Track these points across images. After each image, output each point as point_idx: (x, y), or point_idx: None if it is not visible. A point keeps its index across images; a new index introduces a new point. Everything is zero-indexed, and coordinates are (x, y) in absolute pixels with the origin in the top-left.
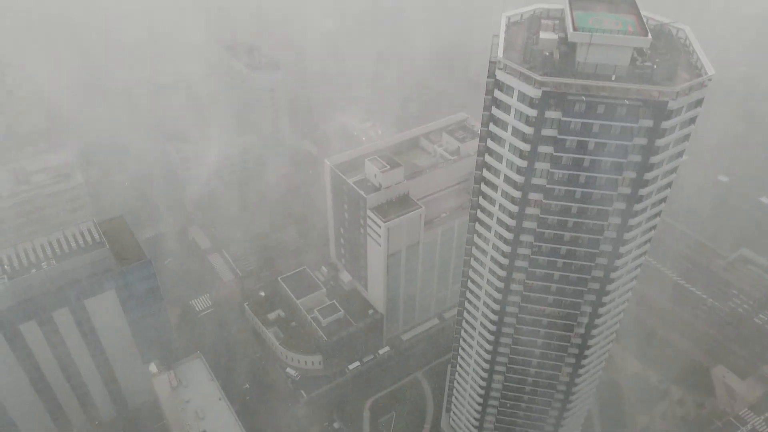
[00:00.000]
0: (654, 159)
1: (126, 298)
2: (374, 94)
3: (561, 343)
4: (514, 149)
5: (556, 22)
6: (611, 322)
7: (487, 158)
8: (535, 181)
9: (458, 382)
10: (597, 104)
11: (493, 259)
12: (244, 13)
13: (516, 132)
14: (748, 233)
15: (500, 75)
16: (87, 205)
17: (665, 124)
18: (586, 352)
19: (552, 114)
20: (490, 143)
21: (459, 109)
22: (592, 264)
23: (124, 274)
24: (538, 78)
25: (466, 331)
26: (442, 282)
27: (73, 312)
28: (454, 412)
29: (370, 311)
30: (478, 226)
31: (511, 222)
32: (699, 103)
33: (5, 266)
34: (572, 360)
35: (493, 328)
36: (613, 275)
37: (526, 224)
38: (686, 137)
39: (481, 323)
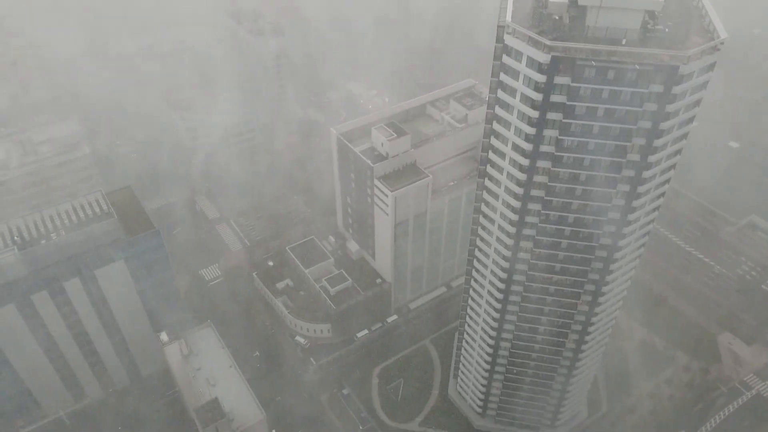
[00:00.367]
0: (664, 125)
1: (136, 268)
2: (380, 61)
3: (568, 311)
4: (522, 116)
5: None
6: (618, 289)
7: (495, 126)
8: (544, 148)
9: (465, 350)
10: (607, 69)
11: (500, 227)
12: None
13: (524, 98)
14: (758, 200)
15: (509, 40)
16: (94, 175)
17: (676, 90)
18: (593, 320)
19: (561, 80)
20: (498, 110)
21: (467, 75)
22: (600, 232)
23: (134, 245)
24: (548, 43)
25: (473, 299)
26: (450, 251)
27: (83, 282)
28: (461, 379)
29: (378, 280)
30: (485, 195)
31: (519, 190)
32: (711, 67)
33: (15, 237)
34: (579, 327)
35: (500, 296)
36: (621, 243)
37: (534, 192)
38: (697, 103)
39: (489, 291)
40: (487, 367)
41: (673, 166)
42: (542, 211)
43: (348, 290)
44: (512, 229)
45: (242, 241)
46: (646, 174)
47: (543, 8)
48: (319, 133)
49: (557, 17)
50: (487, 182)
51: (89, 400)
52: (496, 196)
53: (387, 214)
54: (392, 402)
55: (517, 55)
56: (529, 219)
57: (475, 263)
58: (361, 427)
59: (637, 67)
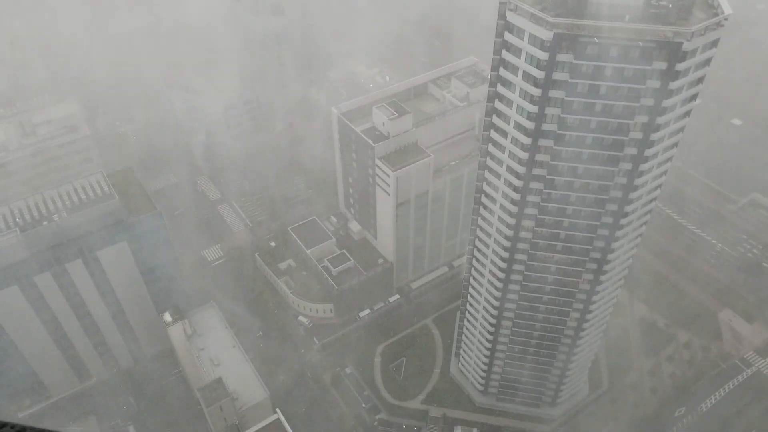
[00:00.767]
0: (667, 102)
1: (138, 249)
2: (381, 39)
3: (569, 289)
4: (524, 94)
5: None
6: (620, 267)
7: (497, 104)
8: (546, 126)
9: (467, 328)
10: (610, 46)
11: (502, 206)
12: None
13: (527, 76)
14: (761, 178)
15: (511, 16)
16: (95, 157)
17: (679, 66)
18: (594, 298)
19: (564, 57)
20: (500, 88)
21: (468, 53)
22: (602, 210)
23: (136, 226)
24: (550, 19)
25: (475, 278)
26: (452, 230)
27: (86, 263)
28: (463, 357)
29: (380, 260)
30: (487, 174)
31: (521, 169)
32: (714, 44)
33: (17, 219)
34: (580, 306)
35: (501, 275)
36: (622, 222)
37: (536, 171)
38: (700, 80)
39: (490, 270)
40: (489, 345)
41: (675, 144)
42: (544, 190)
43: (350, 270)
44: (514, 208)
45: (244, 222)
46: (649, 152)
47: None
48: (319, 113)
49: None
50: (489, 161)
51: (94, 381)
52: (498, 175)
53: (388, 194)
54: (395, 380)
55: (519, 33)
56: (531, 198)
57: (477, 242)
58: (364, 405)
59: (640, 43)
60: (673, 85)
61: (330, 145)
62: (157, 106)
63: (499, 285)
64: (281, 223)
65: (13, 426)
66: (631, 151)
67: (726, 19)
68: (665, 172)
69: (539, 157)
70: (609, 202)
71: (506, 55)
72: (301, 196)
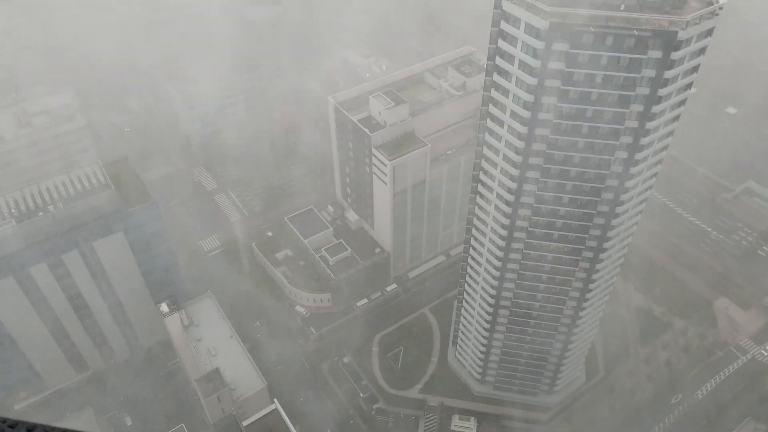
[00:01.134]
0: (662, 91)
1: (134, 240)
2: (377, 28)
3: (566, 278)
4: (521, 83)
5: None
6: (616, 256)
7: (494, 93)
8: (542, 116)
9: (464, 317)
10: (605, 35)
11: (498, 195)
12: None
13: (523, 65)
14: (756, 165)
15: (507, 5)
16: (90, 147)
17: (675, 55)
18: (591, 286)
19: (559, 46)
20: (496, 77)
21: (465, 42)
22: (598, 199)
23: (132, 216)
24: (546, 9)
25: (472, 267)
26: (449, 219)
27: (82, 254)
28: (460, 346)
29: (377, 249)
30: (484, 163)
31: (518, 158)
32: (709, 33)
33: (12, 210)
34: (577, 294)
35: (498, 264)
36: (618, 210)
37: (533, 160)
38: (695, 68)
39: (487, 259)
40: (486, 334)
41: (671, 133)
42: (540, 179)
43: (347, 260)
44: (511, 197)
45: (241, 212)
46: (644, 140)
47: None
48: (316, 103)
49: None
50: (486, 150)
51: (91, 372)
52: (494, 164)
53: (386, 184)
54: (392, 370)
55: (515, 22)
56: (527, 187)
57: (474, 231)
58: (361, 395)
59: (636, 32)
60: (669, 74)
61: (327, 134)
62: (153, 96)
63: (496, 273)
64: (278, 212)
65: (4, 420)
66: (627, 139)
67: (721, 8)
68: (661, 161)
69: (535, 145)
70: (605, 191)
71: (502, 44)
72: (298, 186)
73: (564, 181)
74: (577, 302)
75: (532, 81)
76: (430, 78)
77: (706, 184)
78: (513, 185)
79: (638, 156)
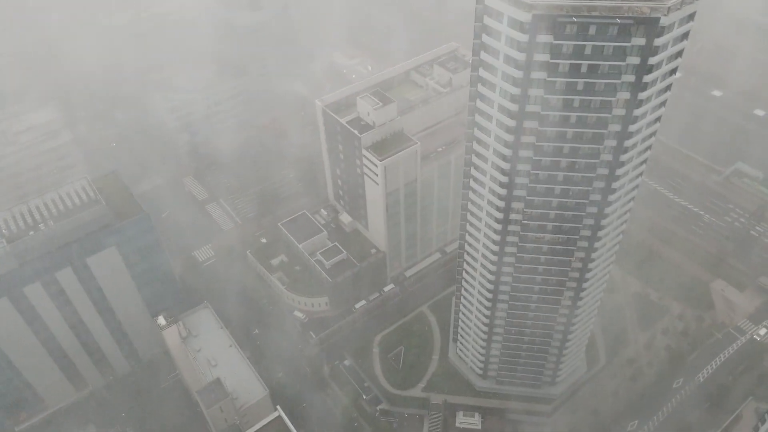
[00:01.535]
0: (648, 78)
1: (128, 254)
2: (360, 28)
3: (562, 268)
4: (506, 77)
5: None
6: (611, 244)
7: (480, 88)
8: (530, 108)
9: (463, 313)
10: (588, 25)
11: (491, 190)
12: None
13: (508, 59)
14: (743, 147)
15: (489, 0)
16: (78, 162)
17: (658, 41)
18: (587, 275)
19: (543, 38)
20: (482, 72)
21: (449, 38)
22: (590, 188)
23: (124, 230)
24: (528, 1)
25: (468, 262)
26: (442, 216)
27: (76, 271)
28: (461, 342)
29: (373, 250)
30: (474, 159)
31: (508, 152)
32: (691, 17)
33: (3, 230)
34: (574, 284)
35: (494, 258)
36: (610, 198)
37: (522, 153)
38: (679, 53)
39: (483, 254)
40: (486, 329)
41: (658, 119)
42: (531, 171)
43: (343, 262)
44: (503, 191)
45: (233, 220)
46: (632, 128)
47: None
48: (303, 106)
49: None
50: (476, 146)
51: (91, 389)
52: (485, 159)
53: (377, 184)
54: (394, 369)
55: (498, 16)
56: (519, 179)
57: (468, 227)
58: (364, 397)
59: (618, 20)
60: (653, 60)
61: (316, 137)
62: (140, 106)
63: (493, 268)
64: (271, 218)
65: None
66: (615, 127)
67: None
68: (650, 147)
69: (525, 138)
70: (596, 180)
71: (486, 39)
72: (290, 191)
73: (555, 172)
74: (574, 292)
75: (517, 74)
76: (416, 76)
77: (695, 167)
78: (504, 179)
79: (627, 143)
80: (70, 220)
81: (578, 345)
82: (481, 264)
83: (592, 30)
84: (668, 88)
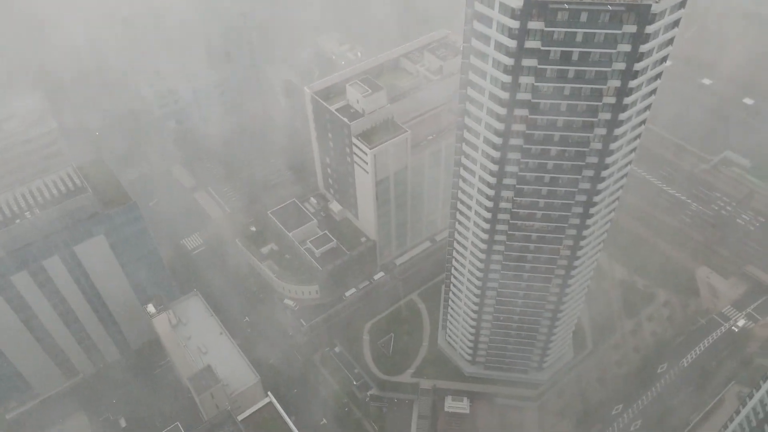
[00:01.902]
0: (638, 65)
1: (116, 242)
2: (350, 14)
3: (550, 256)
4: (497, 64)
5: None
6: (599, 232)
7: (471, 75)
8: (520, 96)
9: (453, 300)
10: (580, 12)
11: (481, 179)
12: None
13: (499, 46)
14: (732, 135)
15: None
16: (64, 150)
17: (649, 29)
18: (575, 263)
19: (534, 24)
20: (473, 59)
21: (440, 25)
22: (579, 177)
23: (111, 218)
24: None
25: (457, 250)
26: (433, 205)
27: (63, 259)
28: (450, 329)
29: (363, 239)
30: (464, 147)
31: (498, 140)
32: (682, 4)
33: None
34: (562, 271)
35: (483, 246)
36: (599, 186)
37: (513, 141)
38: (670, 41)
39: (472, 242)
40: (475, 315)
41: (648, 107)
42: (521, 160)
43: (333, 251)
44: (493, 179)
45: (222, 208)
46: (622, 116)
47: None
48: (292, 93)
49: None
50: (466, 134)
51: (81, 377)
52: (475, 148)
53: (367, 172)
54: (384, 356)
55: (489, 2)
56: (509, 168)
57: (458, 215)
58: (354, 383)
59: (610, 7)
60: (644, 47)
61: (305, 125)
62: (126, 94)
63: (482, 256)
64: (261, 207)
65: None
66: (606, 116)
67: None
68: (639, 135)
69: (515, 126)
70: (586, 168)
71: (477, 25)
72: (279, 179)
73: (545, 161)
74: (562, 279)
75: (508, 61)
76: (406, 63)
77: (684, 155)
78: (494, 167)
79: (617, 131)
80: (57, 209)
81: (565, 331)
82: (471, 252)
83: (584, 17)
84: (659, 76)
